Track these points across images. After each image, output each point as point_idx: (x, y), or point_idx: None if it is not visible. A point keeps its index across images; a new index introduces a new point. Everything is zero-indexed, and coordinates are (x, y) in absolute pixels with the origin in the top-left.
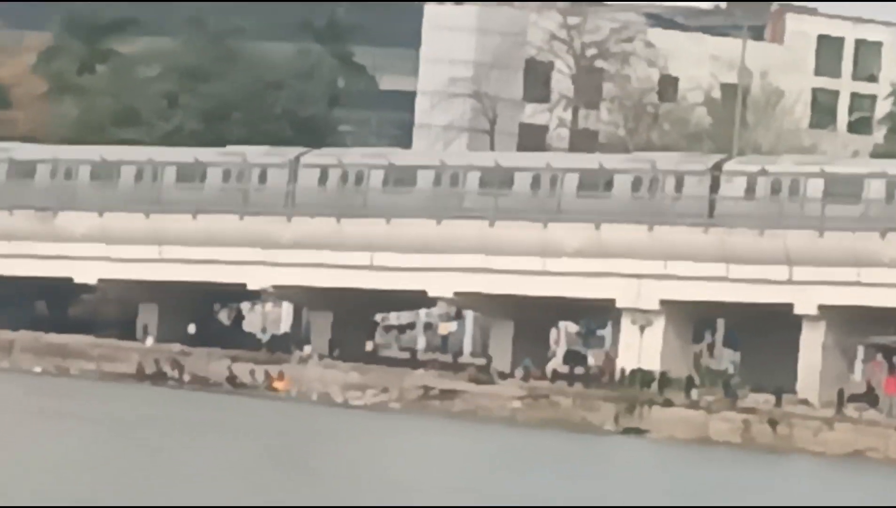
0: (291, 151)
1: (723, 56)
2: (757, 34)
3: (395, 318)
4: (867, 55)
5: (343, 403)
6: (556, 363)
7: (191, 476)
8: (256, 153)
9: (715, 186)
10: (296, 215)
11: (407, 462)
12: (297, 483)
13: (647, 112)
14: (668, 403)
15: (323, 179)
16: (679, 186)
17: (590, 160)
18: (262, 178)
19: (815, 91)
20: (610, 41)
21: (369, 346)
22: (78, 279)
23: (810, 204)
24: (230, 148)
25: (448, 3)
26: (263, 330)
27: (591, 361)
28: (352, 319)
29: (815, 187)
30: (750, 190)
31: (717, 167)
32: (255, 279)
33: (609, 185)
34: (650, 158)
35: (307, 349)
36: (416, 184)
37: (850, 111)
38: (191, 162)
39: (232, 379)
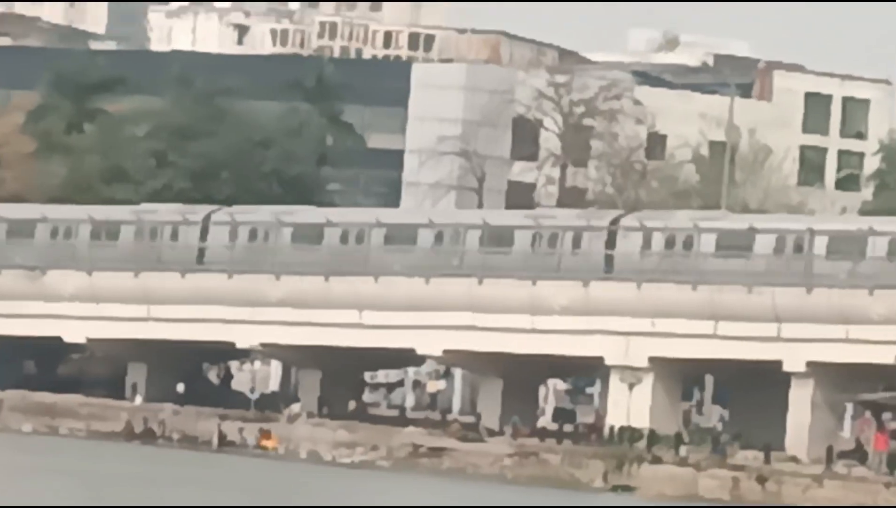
0: (202, 210)
1: (711, 113)
2: (745, 92)
3: (383, 376)
4: (855, 112)
5: (332, 461)
6: (545, 421)
7: None
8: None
9: (611, 242)
10: (284, 273)
11: None
12: None
13: (636, 169)
14: (656, 460)
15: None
16: (577, 241)
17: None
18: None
19: (803, 148)
20: (598, 99)
21: (352, 405)
22: (67, 338)
23: (704, 259)
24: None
25: (436, 63)
26: (252, 389)
27: (579, 418)
28: (340, 377)
29: (708, 242)
30: (646, 245)
31: (615, 223)
32: (244, 338)
33: (511, 240)
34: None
35: (296, 407)
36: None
37: (839, 168)
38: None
39: (221, 438)
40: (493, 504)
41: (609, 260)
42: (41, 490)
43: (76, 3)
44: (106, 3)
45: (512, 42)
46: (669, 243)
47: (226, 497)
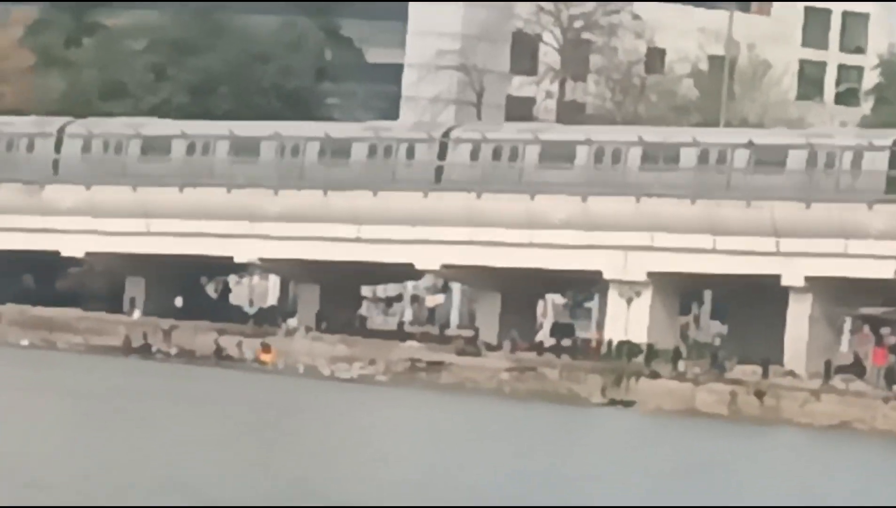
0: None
1: (710, 28)
2: (744, 6)
3: (382, 290)
4: (854, 27)
5: (330, 375)
6: (543, 336)
7: (174, 447)
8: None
9: (442, 153)
10: (283, 187)
11: (392, 435)
12: (279, 455)
13: (634, 84)
14: (654, 375)
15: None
16: (410, 153)
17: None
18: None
19: (802, 63)
20: (597, 13)
21: (347, 316)
22: (65, 253)
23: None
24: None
25: None
26: (251, 303)
27: (577, 333)
28: (339, 291)
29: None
30: (474, 156)
31: (446, 135)
32: (242, 252)
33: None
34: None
35: (294, 321)
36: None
37: (838, 83)
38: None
39: (219, 352)
40: (491, 419)
41: (439, 171)
42: (38, 404)
43: None
44: None
45: None
46: (497, 155)
47: (224, 411)
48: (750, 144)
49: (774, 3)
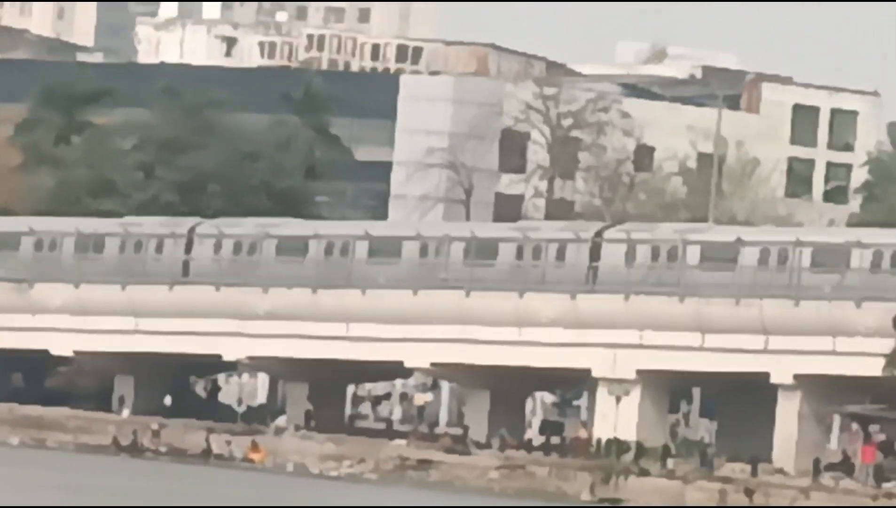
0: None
1: (699, 126)
2: (733, 104)
3: (371, 388)
4: (843, 124)
5: (319, 474)
6: (532, 434)
7: None
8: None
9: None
10: (272, 286)
11: None
12: None
13: (623, 182)
14: (643, 472)
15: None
16: (561, 253)
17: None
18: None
19: (790, 160)
20: (586, 111)
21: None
22: (54, 351)
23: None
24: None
25: (424, 75)
26: (239, 402)
27: (566, 431)
28: (328, 390)
29: (693, 254)
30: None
31: (599, 235)
32: (231, 351)
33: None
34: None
35: (283, 420)
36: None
37: (826, 180)
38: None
39: (208, 451)
40: None
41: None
42: (29, 503)
43: (64, 15)
44: (94, 16)
45: (500, 54)
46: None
47: None
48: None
49: (763, 101)
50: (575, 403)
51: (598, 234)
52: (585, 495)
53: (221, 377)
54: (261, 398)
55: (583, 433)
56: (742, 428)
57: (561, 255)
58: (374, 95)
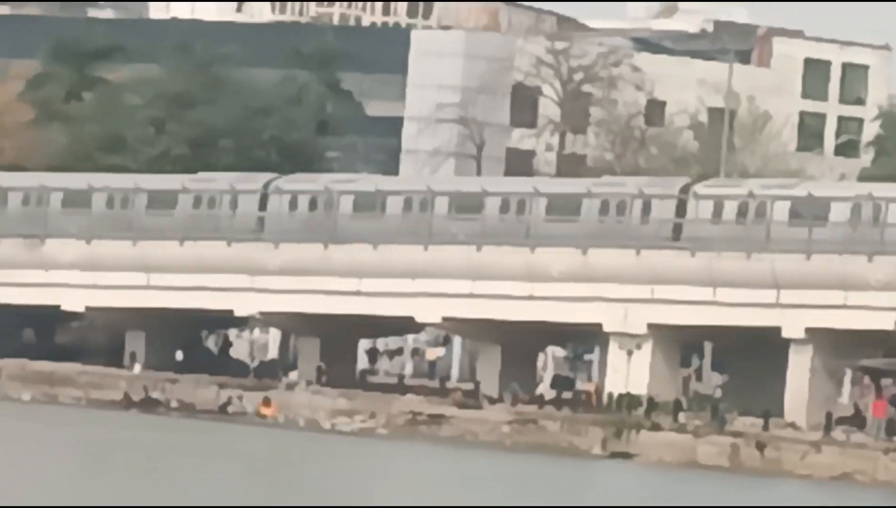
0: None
1: (710, 80)
2: (744, 58)
3: (382, 344)
4: (854, 78)
5: (331, 429)
6: (543, 388)
7: (176, 499)
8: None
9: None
10: (283, 241)
11: (393, 488)
12: None
13: (634, 136)
14: (655, 427)
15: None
16: (647, 209)
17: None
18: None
19: (802, 114)
20: (597, 66)
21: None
22: (65, 307)
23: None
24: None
25: (435, 30)
26: (251, 357)
27: (578, 385)
28: (340, 345)
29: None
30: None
31: (685, 190)
32: (243, 306)
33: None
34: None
35: (294, 375)
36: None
37: (837, 134)
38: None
39: (225, 405)
40: (492, 472)
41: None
42: (40, 458)
43: None
44: None
45: (510, 9)
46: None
47: (225, 465)
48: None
49: (774, 55)
50: (587, 358)
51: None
52: (597, 449)
53: (233, 333)
54: (272, 353)
55: (590, 387)
56: (754, 383)
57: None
58: (385, 49)
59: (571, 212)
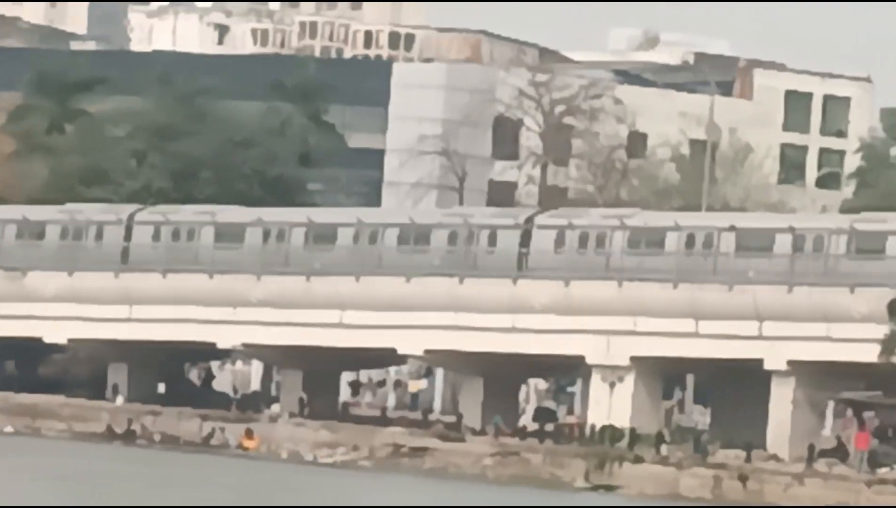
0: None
1: (691, 112)
2: (725, 90)
3: (365, 376)
4: (835, 110)
5: (313, 461)
6: (526, 420)
7: None
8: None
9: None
10: (265, 273)
11: None
12: None
13: (616, 168)
14: (638, 459)
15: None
16: (493, 239)
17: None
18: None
19: (783, 146)
20: (579, 98)
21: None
22: (48, 339)
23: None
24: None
25: (417, 62)
26: (234, 389)
27: (560, 418)
28: (322, 377)
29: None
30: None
31: (529, 221)
32: (225, 338)
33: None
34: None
35: (277, 407)
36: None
37: (819, 166)
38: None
39: (207, 438)
40: (475, 504)
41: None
42: (23, 491)
43: (56, 3)
44: (86, 4)
45: (492, 41)
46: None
47: (208, 497)
48: (733, 229)
49: (756, 87)
50: (569, 390)
51: (529, 220)
52: (580, 481)
53: (215, 365)
54: (255, 385)
55: (570, 419)
56: (736, 415)
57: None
58: (366, 82)
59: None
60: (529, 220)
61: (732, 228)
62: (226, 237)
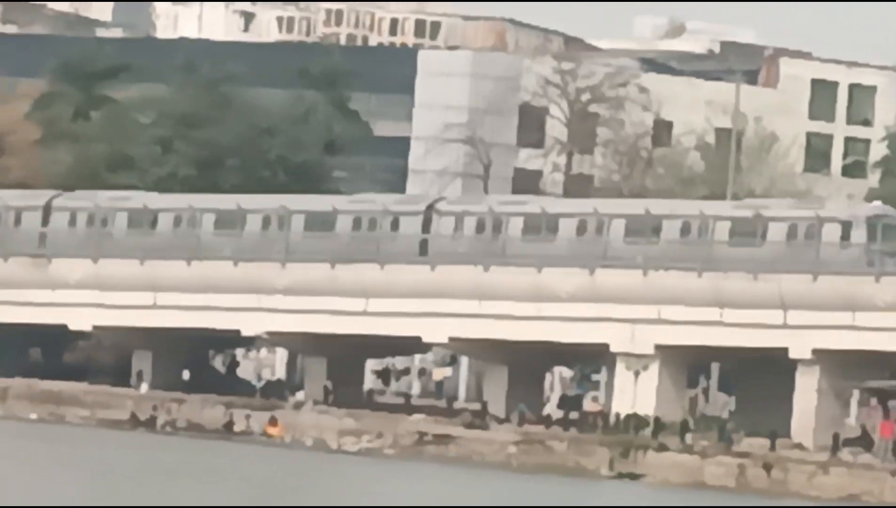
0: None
1: (717, 101)
2: (751, 79)
3: (389, 364)
4: (861, 99)
5: (338, 449)
6: (550, 408)
7: None
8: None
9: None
10: (290, 261)
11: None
12: None
13: (641, 157)
14: (662, 447)
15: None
16: (395, 225)
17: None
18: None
19: (809, 135)
20: (604, 86)
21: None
22: (72, 326)
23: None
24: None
25: (442, 50)
26: (258, 377)
27: (585, 406)
28: (346, 364)
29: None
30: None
31: (430, 208)
32: (250, 326)
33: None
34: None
35: (301, 395)
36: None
37: (845, 155)
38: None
39: (229, 425)
40: (499, 492)
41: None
42: (47, 479)
43: None
44: None
45: (518, 29)
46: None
47: (232, 484)
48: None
49: (781, 76)
50: (594, 378)
51: (430, 207)
52: (604, 470)
53: (240, 352)
54: (279, 373)
55: (594, 407)
56: (761, 403)
57: (395, 226)
58: (392, 70)
59: (328, 228)
60: (430, 207)
61: (622, 215)
62: (139, 224)
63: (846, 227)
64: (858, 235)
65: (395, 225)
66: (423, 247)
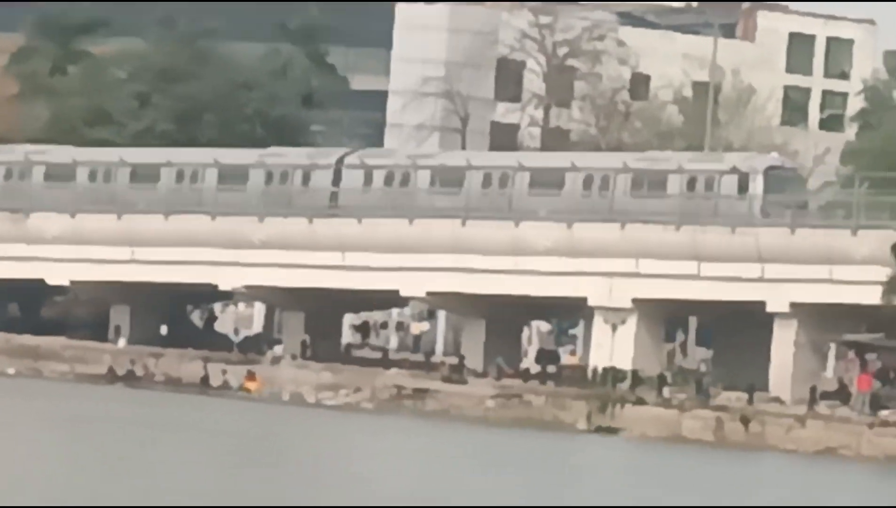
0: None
1: (694, 54)
2: (728, 32)
3: (367, 317)
4: (838, 52)
5: (315, 403)
6: (528, 362)
7: (158, 473)
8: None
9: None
10: (267, 215)
11: (377, 461)
12: (263, 482)
13: (619, 110)
14: (640, 401)
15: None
16: (306, 179)
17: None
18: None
19: (786, 88)
20: (581, 40)
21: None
22: (50, 281)
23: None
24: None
25: (420, 3)
26: (236, 331)
27: (563, 360)
28: (324, 319)
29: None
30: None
31: (341, 161)
32: (227, 280)
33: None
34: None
35: (279, 349)
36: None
37: (822, 108)
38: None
39: (205, 380)
40: (477, 446)
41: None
42: (24, 432)
43: None
44: None
45: None
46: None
47: (209, 438)
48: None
49: (759, 29)
50: (571, 332)
51: (340, 161)
52: (581, 424)
53: (218, 307)
54: (257, 327)
55: (572, 360)
56: (738, 357)
57: (307, 179)
58: (369, 23)
59: (242, 181)
60: (340, 160)
61: (522, 167)
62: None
63: (743, 179)
64: (756, 186)
65: (306, 179)
66: (334, 199)
